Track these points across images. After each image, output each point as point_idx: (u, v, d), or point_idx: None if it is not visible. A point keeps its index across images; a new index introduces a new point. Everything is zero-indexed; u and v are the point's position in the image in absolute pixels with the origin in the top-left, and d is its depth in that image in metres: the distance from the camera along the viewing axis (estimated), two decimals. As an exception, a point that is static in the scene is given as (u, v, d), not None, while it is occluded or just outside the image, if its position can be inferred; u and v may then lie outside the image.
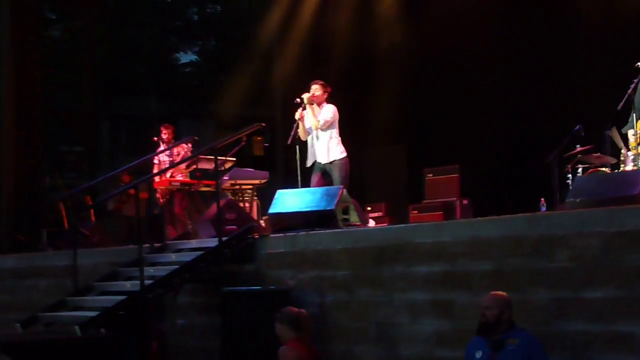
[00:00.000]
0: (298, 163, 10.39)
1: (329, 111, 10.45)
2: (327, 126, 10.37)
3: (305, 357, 7.05)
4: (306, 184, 10.37)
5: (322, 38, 15.96)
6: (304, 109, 10.37)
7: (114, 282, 9.54)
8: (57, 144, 28.00)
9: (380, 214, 13.67)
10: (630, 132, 9.36)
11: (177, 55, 27.36)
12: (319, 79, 10.67)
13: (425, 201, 13.18)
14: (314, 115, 10.35)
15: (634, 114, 9.30)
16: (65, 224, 12.21)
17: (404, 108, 15.12)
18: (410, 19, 15.14)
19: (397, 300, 8.00)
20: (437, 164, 13.38)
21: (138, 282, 8.75)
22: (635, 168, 9.55)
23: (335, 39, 15.94)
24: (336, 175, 10.30)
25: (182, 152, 11.93)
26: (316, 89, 10.50)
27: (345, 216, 9.35)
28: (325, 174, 10.41)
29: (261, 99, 18.94)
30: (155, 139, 12.18)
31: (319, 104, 10.47)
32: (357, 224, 9.55)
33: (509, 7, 13.90)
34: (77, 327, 8.18)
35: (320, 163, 10.42)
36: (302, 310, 7.43)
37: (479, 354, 6.62)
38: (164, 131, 12.18)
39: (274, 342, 8.30)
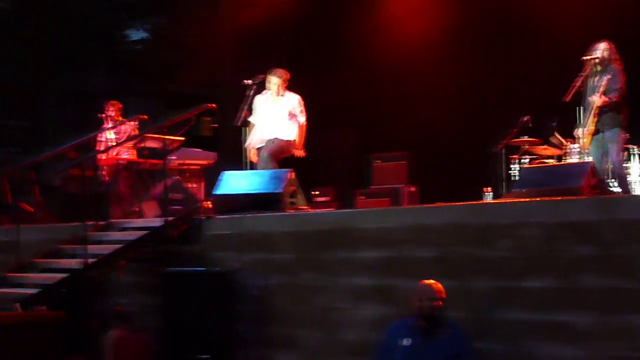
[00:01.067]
0: (245, 145, 10.34)
1: (302, 104, 10.40)
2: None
3: (125, 340, 8.58)
4: (253, 166, 10.34)
5: (273, 20, 15.90)
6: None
7: (57, 260, 9.42)
8: (3, 117, 27.53)
9: (327, 198, 13.71)
10: (580, 131, 9.36)
11: (127, 32, 27.00)
12: (268, 61, 10.61)
13: (372, 187, 13.25)
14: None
15: (582, 111, 9.35)
16: (9, 199, 12.02)
17: (354, 93, 15.16)
18: (360, 4, 15.15)
19: (341, 285, 8.04)
20: (386, 150, 13.45)
21: (81, 260, 8.67)
22: (580, 161, 9.67)
23: (285, 21, 15.91)
24: (272, 146, 10.24)
25: (129, 130, 11.80)
26: (279, 75, 10.38)
27: (293, 199, 9.34)
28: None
29: (211, 80, 18.82)
30: (101, 115, 12.02)
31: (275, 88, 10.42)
32: (305, 207, 9.56)
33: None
34: (17, 304, 8.10)
35: (268, 140, 10.36)
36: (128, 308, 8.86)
37: (407, 341, 6.58)
38: (109, 108, 11.99)
39: (217, 323, 8.34)
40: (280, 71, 10.46)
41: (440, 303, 6.59)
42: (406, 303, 6.70)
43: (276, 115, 10.35)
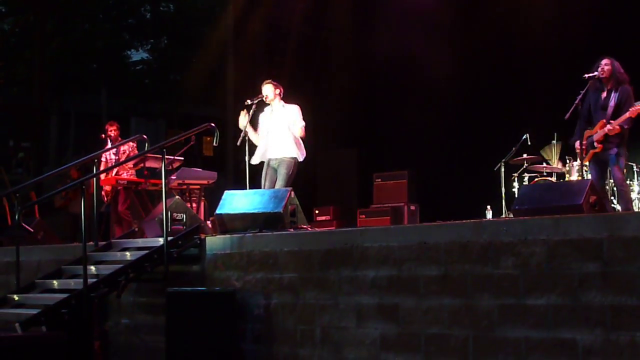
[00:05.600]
0: (247, 164, 10.31)
1: (298, 113, 10.26)
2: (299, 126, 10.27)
3: None
4: (255, 185, 10.29)
5: (276, 40, 15.95)
6: (248, 112, 10.22)
7: (58, 280, 9.41)
8: (5, 138, 27.63)
9: (328, 217, 13.71)
10: (577, 144, 9.32)
11: (129, 52, 27.14)
12: (272, 80, 10.56)
13: (373, 206, 13.25)
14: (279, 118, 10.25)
15: (580, 125, 9.31)
16: (9, 220, 12.02)
17: (356, 112, 15.18)
18: (363, 23, 15.19)
19: (343, 303, 8.00)
20: (387, 169, 13.46)
21: (81, 280, 8.64)
22: (580, 178, 9.63)
23: (289, 41, 15.96)
24: (282, 171, 10.20)
25: (128, 150, 11.81)
26: (269, 90, 10.35)
27: (293, 218, 9.31)
28: (274, 171, 10.29)
29: (213, 99, 18.87)
30: (103, 136, 12.03)
31: (271, 103, 10.37)
32: (305, 226, 9.52)
33: (461, 15, 14.03)
34: (18, 325, 8.07)
35: (271, 159, 10.29)
36: None
37: None
38: (109, 128, 12.01)
39: (219, 343, 8.30)
40: (273, 81, 10.39)
41: None
42: None
43: (275, 129, 10.27)
